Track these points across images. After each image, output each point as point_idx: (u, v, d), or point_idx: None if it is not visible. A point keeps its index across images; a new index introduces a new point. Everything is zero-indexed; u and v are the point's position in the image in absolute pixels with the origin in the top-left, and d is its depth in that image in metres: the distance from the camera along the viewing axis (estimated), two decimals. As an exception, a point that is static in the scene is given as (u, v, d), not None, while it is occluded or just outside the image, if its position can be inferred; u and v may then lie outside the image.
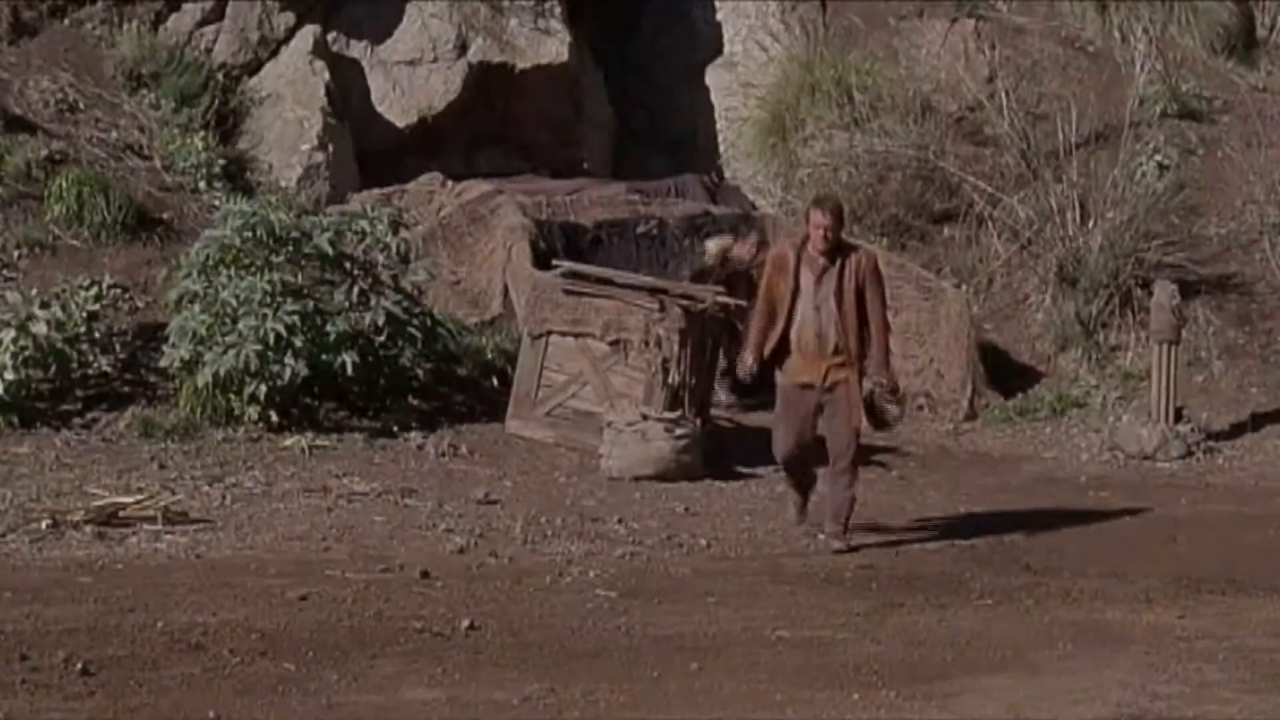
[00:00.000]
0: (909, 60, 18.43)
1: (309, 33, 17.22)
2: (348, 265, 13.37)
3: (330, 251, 13.16)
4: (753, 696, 7.17)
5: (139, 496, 10.49)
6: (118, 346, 13.20)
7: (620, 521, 10.95)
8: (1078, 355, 15.87)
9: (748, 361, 10.42)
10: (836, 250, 10.35)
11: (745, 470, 12.73)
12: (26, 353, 12.44)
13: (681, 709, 6.98)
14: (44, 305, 12.71)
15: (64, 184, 14.50)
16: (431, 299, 14.42)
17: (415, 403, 13.43)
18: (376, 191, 16.15)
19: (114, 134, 15.53)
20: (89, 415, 12.62)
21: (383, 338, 13.12)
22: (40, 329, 12.51)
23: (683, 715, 6.93)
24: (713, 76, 19.21)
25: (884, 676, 7.48)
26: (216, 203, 15.03)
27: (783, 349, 10.35)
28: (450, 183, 16.37)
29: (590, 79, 18.97)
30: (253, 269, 12.88)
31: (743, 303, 12.76)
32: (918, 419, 14.86)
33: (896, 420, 10.84)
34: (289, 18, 17.21)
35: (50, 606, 8.18)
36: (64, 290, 13.10)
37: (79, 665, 7.19)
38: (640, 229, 15.61)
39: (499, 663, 7.59)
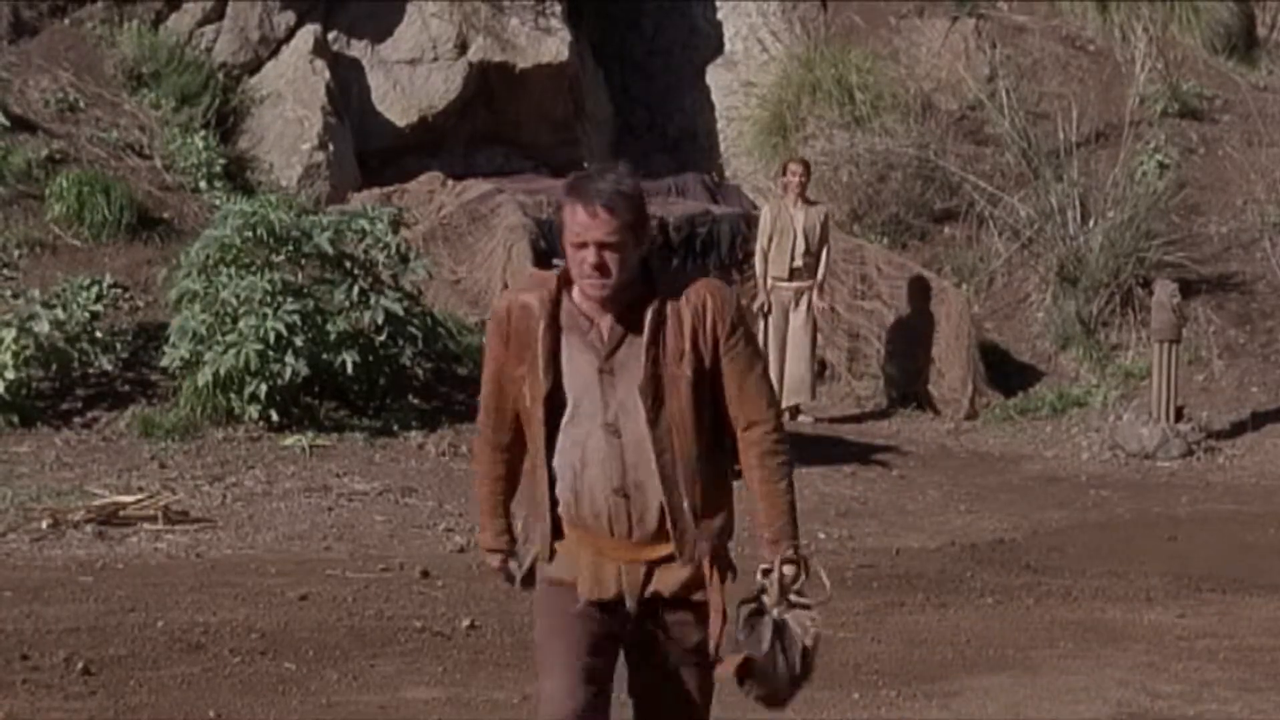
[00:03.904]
0: (909, 59, 18.43)
1: (309, 32, 17.21)
2: (348, 264, 13.36)
3: (330, 251, 13.15)
4: (753, 696, 7.15)
5: (139, 496, 10.49)
6: (118, 346, 13.19)
7: (620, 520, 10.91)
8: (1078, 354, 15.86)
9: (496, 561, 5.37)
10: (641, 291, 4.68)
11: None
12: (27, 352, 12.43)
13: (681, 708, 6.96)
14: (45, 304, 12.72)
15: (64, 183, 14.51)
16: (431, 298, 14.42)
17: (415, 402, 13.41)
18: (377, 190, 16.15)
19: (114, 133, 15.52)
20: (89, 414, 12.61)
21: (383, 337, 13.11)
22: (41, 328, 12.50)
23: (683, 715, 6.91)
24: (713, 75, 19.21)
25: (884, 676, 7.47)
26: (217, 202, 15.02)
27: (552, 509, 4.85)
28: (450, 182, 16.35)
29: (590, 78, 18.97)
30: (253, 268, 12.87)
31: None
32: (917, 418, 14.86)
33: (799, 670, 4.95)
34: (289, 17, 17.20)
35: (51, 606, 8.18)
36: (65, 289, 13.10)
37: (79, 665, 7.19)
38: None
39: (499, 662, 7.58)
